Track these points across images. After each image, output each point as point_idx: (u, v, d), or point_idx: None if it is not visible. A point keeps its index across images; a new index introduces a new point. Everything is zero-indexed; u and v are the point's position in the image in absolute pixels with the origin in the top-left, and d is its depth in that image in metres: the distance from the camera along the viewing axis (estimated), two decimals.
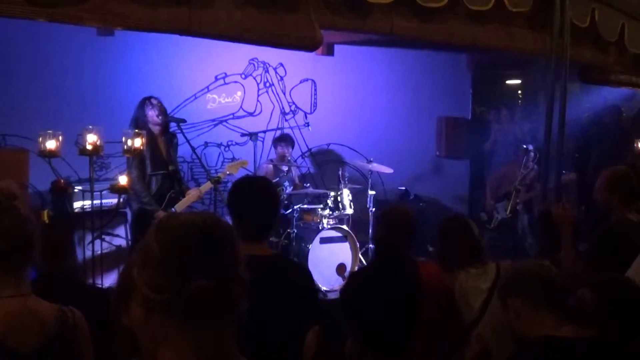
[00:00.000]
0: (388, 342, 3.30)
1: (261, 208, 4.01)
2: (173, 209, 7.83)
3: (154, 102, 7.94)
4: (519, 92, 15.76)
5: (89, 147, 6.61)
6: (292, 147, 10.69)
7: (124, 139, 7.02)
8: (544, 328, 3.26)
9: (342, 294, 3.87)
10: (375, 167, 10.68)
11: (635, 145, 11.68)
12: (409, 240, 4.94)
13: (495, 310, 4.73)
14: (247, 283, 2.08)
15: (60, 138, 6.60)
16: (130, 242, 8.65)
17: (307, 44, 6.07)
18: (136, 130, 7.17)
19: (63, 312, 3.20)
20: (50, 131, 6.58)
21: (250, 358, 2.11)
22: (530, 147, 10.65)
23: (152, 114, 7.88)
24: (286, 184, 9.91)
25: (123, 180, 7.00)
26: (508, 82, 15.78)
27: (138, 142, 7.00)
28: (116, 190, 7.00)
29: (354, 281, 3.92)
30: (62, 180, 7.93)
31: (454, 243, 5.14)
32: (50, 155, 6.57)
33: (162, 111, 7.98)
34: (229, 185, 10.03)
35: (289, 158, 10.58)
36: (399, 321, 3.89)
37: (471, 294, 4.89)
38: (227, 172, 8.59)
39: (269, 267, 3.89)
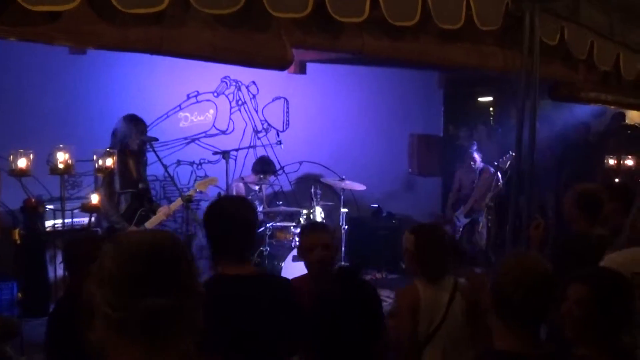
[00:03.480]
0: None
1: (239, 230, 3.99)
2: (144, 227, 7.82)
3: (138, 122, 7.91)
4: (491, 108, 15.86)
5: (60, 165, 6.59)
6: (274, 174, 10.74)
7: (95, 158, 7.01)
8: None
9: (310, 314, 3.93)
10: (348, 184, 10.72)
11: (604, 161, 11.81)
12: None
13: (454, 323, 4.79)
14: (203, 299, 2.10)
15: (31, 157, 6.58)
16: None
17: (279, 63, 6.10)
18: (107, 150, 7.16)
19: None
20: (21, 150, 6.55)
21: None
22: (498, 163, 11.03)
23: (135, 132, 7.83)
24: (257, 202, 9.87)
25: (95, 199, 6.98)
26: (480, 99, 15.87)
27: (109, 161, 6.99)
28: (87, 209, 6.98)
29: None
30: (33, 200, 7.89)
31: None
32: (21, 174, 6.54)
33: (144, 132, 7.96)
34: (201, 203, 10.10)
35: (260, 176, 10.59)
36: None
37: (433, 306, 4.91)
38: (197, 190, 8.57)
39: (255, 285, 3.92)
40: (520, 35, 7.35)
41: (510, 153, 11.30)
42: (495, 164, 11.31)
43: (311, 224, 6.16)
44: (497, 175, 11.42)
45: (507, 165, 11.11)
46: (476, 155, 11.88)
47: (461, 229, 11.85)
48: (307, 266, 5.08)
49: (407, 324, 4.78)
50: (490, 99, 15.80)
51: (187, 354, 2.06)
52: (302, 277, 5.21)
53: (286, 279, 4.39)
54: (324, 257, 4.91)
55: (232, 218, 4.01)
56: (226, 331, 3.42)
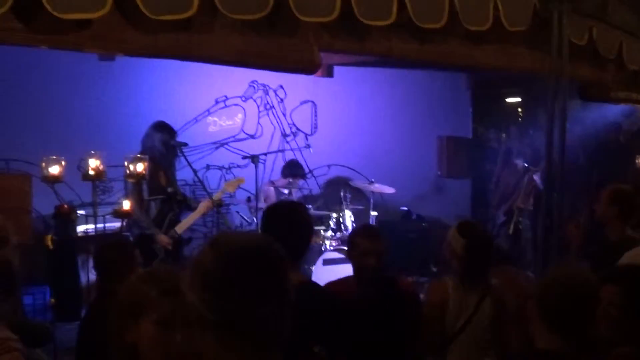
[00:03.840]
0: None
1: (296, 233, 4.01)
2: (174, 231, 7.86)
3: (168, 128, 7.97)
4: (519, 109, 15.76)
5: (91, 172, 6.65)
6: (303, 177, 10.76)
7: (126, 164, 7.06)
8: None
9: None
10: (377, 187, 10.70)
11: (635, 161, 11.73)
12: None
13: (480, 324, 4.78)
14: (293, 306, 2.10)
15: (63, 163, 6.63)
16: None
17: (307, 67, 6.10)
18: (138, 155, 7.20)
19: None
20: (54, 157, 6.61)
21: None
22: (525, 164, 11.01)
23: (165, 138, 7.89)
24: None
25: (126, 205, 7.03)
26: (508, 100, 15.79)
27: (140, 167, 7.03)
28: (119, 215, 7.03)
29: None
30: (65, 206, 7.95)
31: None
32: (53, 180, 6.59)
33: (173, 137, 8.01)
34: (231, 208, 10.14)
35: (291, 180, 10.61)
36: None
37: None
38: (225, 191, 8.61)
39: (305, 294, 3.91)
40: (548, 36, 7.30)
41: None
42: (526, 165, 11.26)
43: (368, 229, 6.06)
44: (538, 177, 11.39)
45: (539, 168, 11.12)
46: (519, 158, 11.87)
47: (499, 227, 11.81)
48: (356, 269, 5.10)
49: (434, 320, 4.80)
50: (518, 99, 15.70)
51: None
52: (342, 280, 5.23)
53: (332, 294, 4.37)
54: (377, 264, 4.94)
55: (291, 222, 4.05)
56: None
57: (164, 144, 7.83)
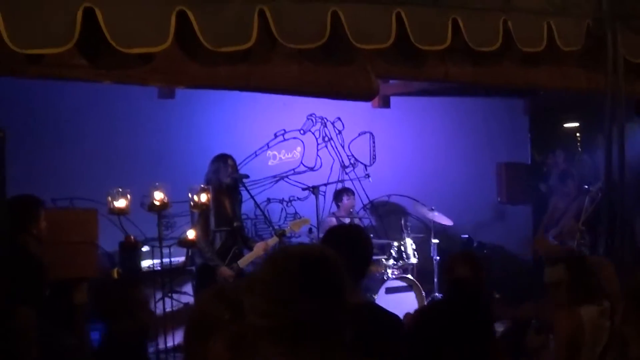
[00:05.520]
0: None
1: (353, 254, 3.95)
2: (237, 264, 7.94)
3: (229, 160, 8.13)
4: (578, 134, 15.65)
5: (156, 202, 6.78)
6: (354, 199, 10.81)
7: (190, 195, 7.19)
8: None
9: (413, 327, 3.91)
10: (437, 217, 10.71)
11: None
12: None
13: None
14: (351, 311, 2.13)
15: (128, 196, 6.78)
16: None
17: (365, 94, 6.18)
18: (202, 186, 7.34)
19: None
20: (120, 189, 6.76)
21: None
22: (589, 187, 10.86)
23: (227, 169, 8.04)
24: None
25: (191, 234, 7.15)
26: (566, 125, 15.69)
27: (204, 197, 7.15)
28: (184, 244, 7.16)
29: (426, 315, 3.95)
30: (131, 237, 8.07)
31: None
32: (120, 213, 6.74)
33: (235, 169, 8.16)
34: (292, 240, 10.21)
35: (352, 210, 10.67)
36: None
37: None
38: (291, 230, 8.71)
39: (368, 314, 3.95)
40: (602, 55, 7.29)
41: (600, 182, 11.25)
42: (586, 187, 11.18)
43: (468, 255, 5.98)
44: (586, 200, 11.31)
45: (596, 189, 11.03)
46: (570, 181, 11.79)
47: None
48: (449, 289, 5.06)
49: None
50: (576, 124, 15.60)
51: None
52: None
53: (396, 315, 4.35)
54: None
55: (351, 243, 4.09)
56: None
57: (226, 174, 7.97)
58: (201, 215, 7.70)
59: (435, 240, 10.66)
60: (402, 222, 10.42)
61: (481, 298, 4.84)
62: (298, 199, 11.23)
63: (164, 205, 6.86)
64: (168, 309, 7.81)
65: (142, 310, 4.65)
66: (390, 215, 11.91)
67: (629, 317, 3.17)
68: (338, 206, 10.69)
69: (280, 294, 2.03)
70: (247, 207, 9.21)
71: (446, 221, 10.89)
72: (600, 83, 7.44)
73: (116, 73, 5.05)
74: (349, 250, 3.97)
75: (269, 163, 11.15)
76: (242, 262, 8.02)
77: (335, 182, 11.23)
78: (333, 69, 5.81)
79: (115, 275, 7.49)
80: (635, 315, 3.17)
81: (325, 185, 10.75)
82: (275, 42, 5.25)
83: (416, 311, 4.56)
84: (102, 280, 5.39)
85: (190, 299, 8.87)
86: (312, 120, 11.53)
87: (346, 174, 11.73)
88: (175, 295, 8.08)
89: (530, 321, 5.78)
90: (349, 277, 2.20)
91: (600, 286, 4.96)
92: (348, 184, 11.33)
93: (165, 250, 7.41)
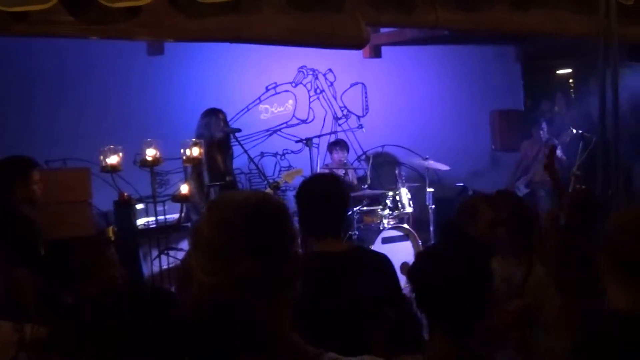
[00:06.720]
0: (457, 318, 3.32)
1: (327, 203, 3.99)
2: None
3: (220, 114, 8.10)
4: (570, 80, 15.63)
5: (149, 158, 6.75)
6: (347, 151, 10.75)
7: (182, 149, 7.16)
8: None
9: (411, 271, 3.90)
10: (432, 164, 10.68)
11: None
12: None
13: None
14: (300, 262, 2.05)
15: (120, 153, 6.75)
16: None
17: (355, 42, 6.14)
18: (194, 140, 7.30)
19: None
20: (112, 146, 6.72)
21: (323, 342, 2.08)
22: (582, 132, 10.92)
23: (218, 123, 8.01)
24: None
25: (184, 189, 7.12)
26: (558, 71, 15.66)
27: (196, 151, 7.12)
28: (178, 199, 7.13)
29: (424, 258, 3.93)
30: (125, 194, 8.02)
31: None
32: (112, 170, 6.71)
33: (226, 123, 8.12)
34: (287, 193, 10.20)
35: (345, 162, 10.64)
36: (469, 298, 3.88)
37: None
38: (284, 181, 8.68)
39: (347, 261, 3.95)
40: None
41: (570, 128, 11.26)
42: (580, 132, 11.17)
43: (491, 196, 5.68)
44: (560, 150, 11.35)
45: (568, 140, 11.13)
46: (544, 126, 11.80)
47: None
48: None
49: None
50: (569, 71, 15.57)
51: (283, 316, 2.02)
52: None
53: (383, 255, 4.32)
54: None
55: (324, 194, 4.02)
56: (314, 307, 3.34)
57: (217, 128, 7.94)
58: (194, 169, 7.67)
59: (430, 189, 10.64)
60: (397, 171, 10.40)
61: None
62: (292, 152, 11.20)
63: (156, 160, 6.83)
64: (165, 266, 7.80)
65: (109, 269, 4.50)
66: (384, 166, 11.89)
67: (607, 272, 3.00)
68: (332, 158, 10.67)
69: (220, 250, 1.96)
70: (240, 161, 9.19)
71: (442, 167, 10.85)
72: (593, 27, 7.38)
73: (102, 28, 5.00)
74: (320, 201, 3.97)
75: (261, 117, 11.10)
76: None
77: (328, 134, 11.18)
78: (323, 18, 5.77)
79: (111, 233, 7.46)
80: (613, 269, 2.99)
81: (319, 137, 10.70)
82: None
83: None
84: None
85: None
86: (303, 73, 11.47)
87: (339, 125, 11.69)
88: (171, 253, 8.04)
89: None
90: (295, 226, 2.13)
91: None
92: (341, 136, 11.29)
93: (160, 208, 7.40)
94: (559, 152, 11.26)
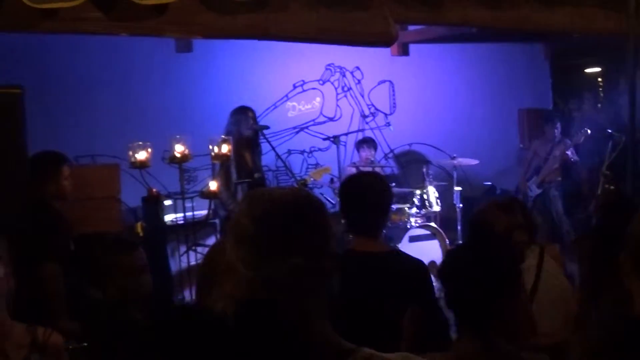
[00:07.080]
0: (486, 317, 3.32)
1: (370, 204, 4.00)
2: None
3: (249, 112, 8.13)
4: (599, 79, 15.54)
5: (177, 154, 6.79)
6: (375, 150, 10.74)
7: (210, 146, 7.19)
8: None
9: (441, 270, 3.90)
10: (460, 161, 10.65)
11: None
12: None
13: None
14: (337, 260, 2.05)
15: (149, 149, 6.78)
16: None
17: (383, 40, 6.13)
18: (222, 137, 7.33)
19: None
20: (140, 142, 6.76)
21: (356, 338, 2.08)
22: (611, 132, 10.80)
23: (247, 121, 8.05)
24: None
25: (213, 185, 7.16)
26: (587, 70, 15.58)
27: (225, 148, 7.15)
28: (206, 195, 7.17)
29: (454, 258, 3.92)
30: (154, 190, 8.06)
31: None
32: (141, 166, 6.75)
33: (255, 121, 8.16)
34: (314, 190, 10.21)
35: (373, 160, 10.63)
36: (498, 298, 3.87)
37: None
38: (312, 179, 8.70)
39: (380, 262, 3.97)
40: None
41: (585, 129, 11.24)
42: (609, 132, 11.09)
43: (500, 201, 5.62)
44: (571, 151, 11.29)
45: (581, 140, 11.08)
46: (558, 126, 11.70)
47: (533, 200, 11.62)
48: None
49: None
50: (598, 69, 15.49)
51: (320, 314, 2.02)
52: None
53: (420, 261, 4.30)
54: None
55: (354, 191, 4.06)
56: (350, 305, 3.33)
57: (247, 126, 7.97)
58: (222, 166, 7.70)
59: (458, 188, 10.61)
60: (424, 170, 10.38)
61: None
62: (319, 149, 11.21)
63: (185, 157, 6.87)
64: (192, 263, 7.83)
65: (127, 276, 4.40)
66: (411, 164, 11.88)
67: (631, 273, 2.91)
68: (360, 156, 10.67)
69: (266, 247, 1.96)
70: (268, 158, 9.21)
71: (471, 162, 10.80)
72: (622, 25, 7.34)
73: (131, 25, 5.03)
74: (364, 200, 3.97)
75: (289, 114, 11.12)
76: None
77: (355, 131, 11.19)
78: (351, 15, 5.77)
79: (139, 229, 7.50)
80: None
81: (346, 135, 10.70)
82: None
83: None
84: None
85: None
86: (330, 70, 11.47)
87: (366, 123, 11.68)
88: (199, 249, 8.07)
89: None
90: (333, 224, 2.14)
91: None
92: (369, 133, 11.29)
93: (188, 204, 7.43)
94: (569, 153, 11.24)
